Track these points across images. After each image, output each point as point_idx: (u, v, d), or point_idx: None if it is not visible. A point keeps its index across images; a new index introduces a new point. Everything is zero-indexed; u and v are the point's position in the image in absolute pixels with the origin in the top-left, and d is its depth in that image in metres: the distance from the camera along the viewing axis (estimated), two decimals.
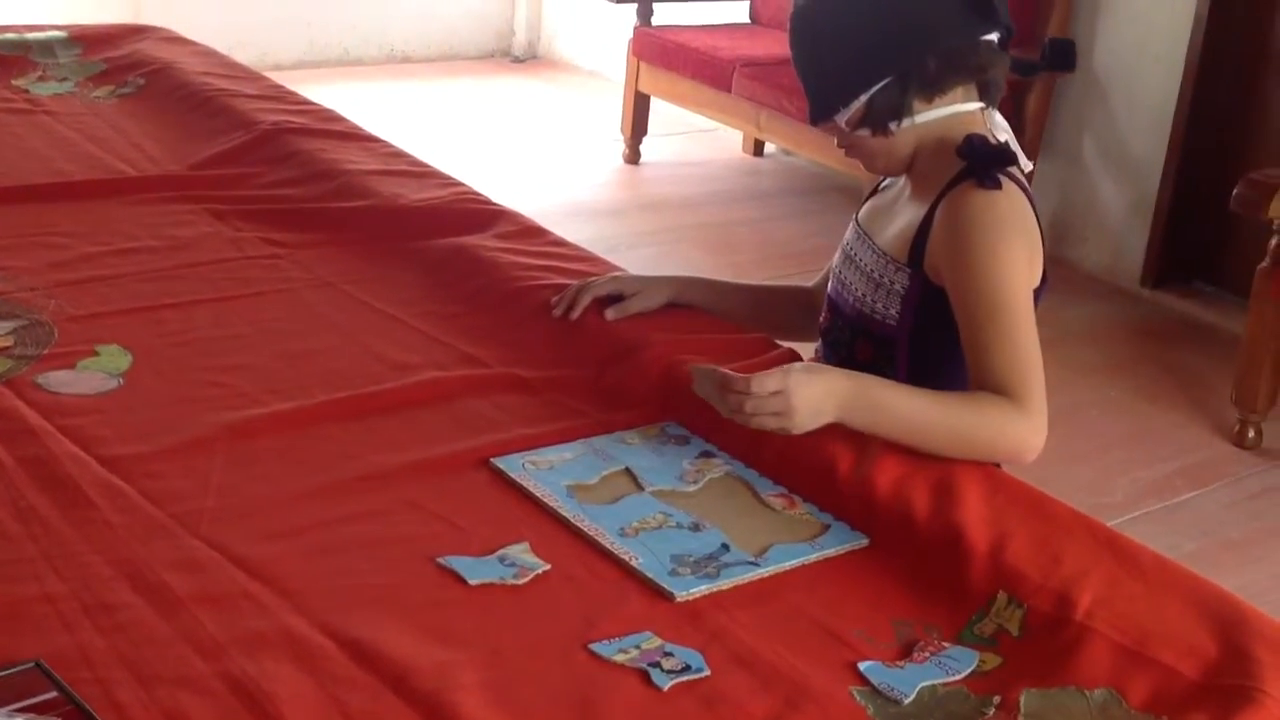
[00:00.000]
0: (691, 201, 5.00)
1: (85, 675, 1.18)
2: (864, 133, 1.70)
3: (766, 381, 1.48)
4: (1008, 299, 1.59)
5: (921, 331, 1.71)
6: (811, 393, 1.49)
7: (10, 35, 3.08)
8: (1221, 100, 4.21)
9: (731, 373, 1.51)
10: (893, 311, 1.72)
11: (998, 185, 1.62)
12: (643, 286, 1.91)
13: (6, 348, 1.76)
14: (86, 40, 3.13)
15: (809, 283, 2.00)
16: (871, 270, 1.75)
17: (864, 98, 1.66)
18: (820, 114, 1.72)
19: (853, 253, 1.80)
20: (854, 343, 1.78)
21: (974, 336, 1.60)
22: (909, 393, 1.57)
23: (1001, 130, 1.73)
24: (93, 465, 1.51)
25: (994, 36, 1.68)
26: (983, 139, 1.66)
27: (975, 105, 1.71)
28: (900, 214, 1.76)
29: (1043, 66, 1.74)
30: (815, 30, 1.69)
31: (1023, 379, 1.56)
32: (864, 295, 1.75)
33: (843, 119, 1.69)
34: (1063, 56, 1.75)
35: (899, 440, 1.54)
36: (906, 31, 1.65)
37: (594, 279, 1.94)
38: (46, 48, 3.06)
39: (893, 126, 1.68)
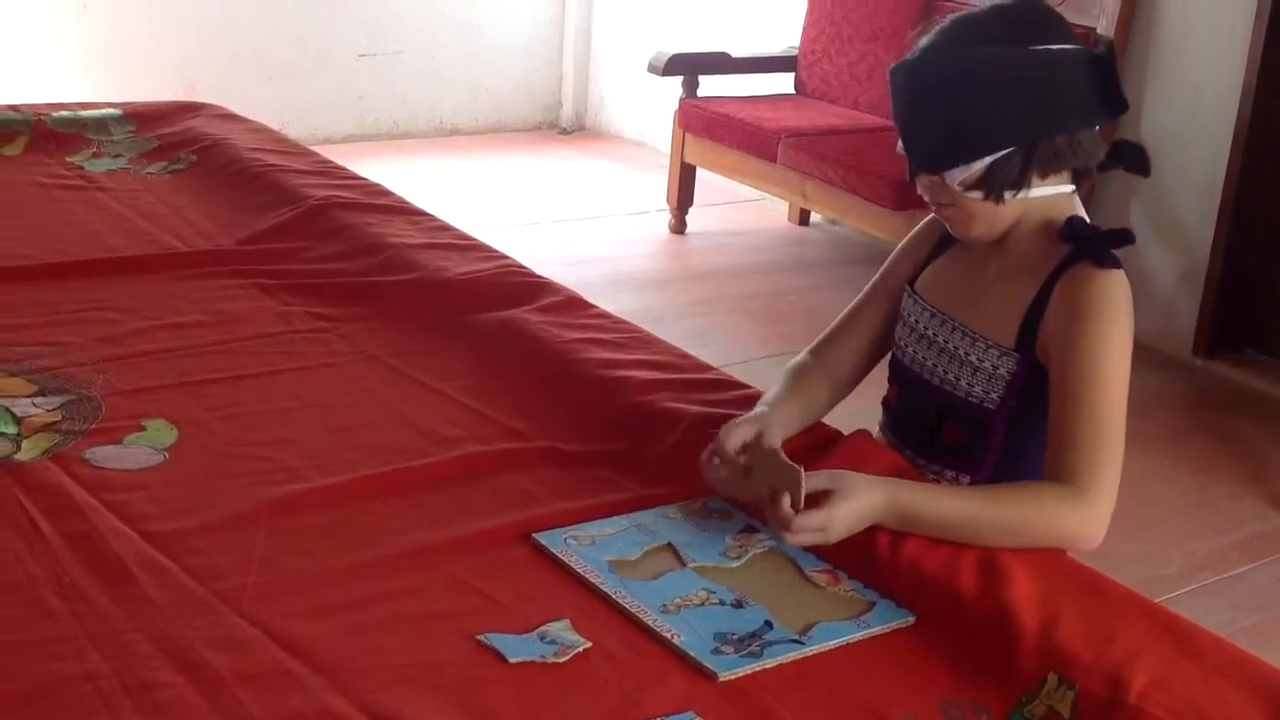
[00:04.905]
0: (738, 271, 5.00)
1: None
2: (975, 195, 1.65)
3: (810, 520, 1.51)
4: (1107, 385, 1.57)
5: (1021, 413, 1.69)
6: (849, 521, 1.52)
7: (66, 114, 3.15)
8: (1272, 168, 4.18)
9: (782, 509, 1.51)
10: (994, 395, 1.69)
11: (1119, 265, 1.61)
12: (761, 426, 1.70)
13: (54, 423, 1.77)
14: (140, 118, 3.19)
15: (803, 357, 1.90)
16: (965, 354, 1.71)
17: (988, 160, 1.62)
18: (939, 165, 1.64)
19: (927, 331, 1.76)
20: (941, 425, 1.75)
21: (1062, 414, 1.58)
22: (949, 494, 1.57)
23: (1084, 214, 1.70)
24: (136, 541, 1.52)
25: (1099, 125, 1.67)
26: (1082, 221, 1.65)
27: (1070, 188, 1.69)
28: (994, 293, 1.71)
29: (1114, 166, 1.71)
30: (950, 82, 1.62)
31: (1094, 465, 1.54)
32: (955, 379, 1.72)
33: (957, 177, 1.64)
34: (1137, 161, 1.72)
35: (942, 538, 1.53)
36: (1046, 106, 1.61)
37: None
38: (101, 125, 3.12)
39: (1008, 195, 1.64)
